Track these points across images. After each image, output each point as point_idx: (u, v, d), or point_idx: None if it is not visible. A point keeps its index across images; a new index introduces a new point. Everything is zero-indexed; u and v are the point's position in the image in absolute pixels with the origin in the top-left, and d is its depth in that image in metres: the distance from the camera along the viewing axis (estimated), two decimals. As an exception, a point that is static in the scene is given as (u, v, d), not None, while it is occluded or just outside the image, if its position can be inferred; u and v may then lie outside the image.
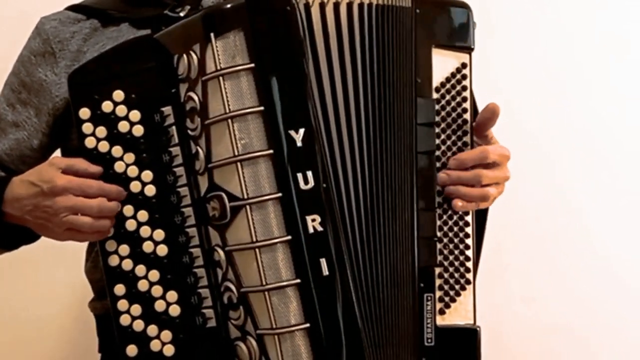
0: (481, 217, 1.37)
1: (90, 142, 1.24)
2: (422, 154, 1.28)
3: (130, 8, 1.40)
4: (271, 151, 1.15)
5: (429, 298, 1.27)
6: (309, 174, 1.16)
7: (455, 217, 1.30)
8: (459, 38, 1.32)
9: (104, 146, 1.24)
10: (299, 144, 1.15)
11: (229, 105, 1.15)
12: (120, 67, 1.25)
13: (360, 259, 1.21)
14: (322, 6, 1.23)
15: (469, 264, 1.31)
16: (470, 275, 1.31)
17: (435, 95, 1.30)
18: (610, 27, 2.18)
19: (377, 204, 1.24)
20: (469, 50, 1.33)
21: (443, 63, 1.31)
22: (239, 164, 1.15)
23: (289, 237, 1.15)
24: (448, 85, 1.31)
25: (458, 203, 1.28)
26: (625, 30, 2.19)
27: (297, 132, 1.15)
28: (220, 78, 1.15)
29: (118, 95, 1.24)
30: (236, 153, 1.15)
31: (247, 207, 1.15)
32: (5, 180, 1.26)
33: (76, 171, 1.22)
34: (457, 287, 1.30)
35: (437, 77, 1.31)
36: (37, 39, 1.40)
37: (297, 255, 1.15)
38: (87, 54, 1.36)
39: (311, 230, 1.15)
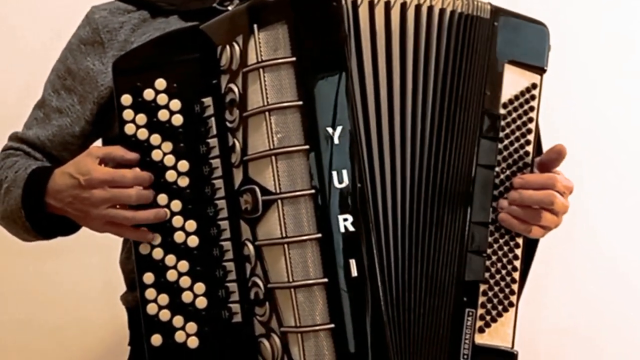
0: (532, 243, 1.33)
1: (129, 129, 1.24)
2: (482, 167, 1.26)
3: (180, 0, 1.40)
4: (307, 147, 1.14)
5: (471, 313, 1.24)
6: (344, 172, 1.14)
7: (507, 237, 1.28)
8: (533, 57, 1.31)
9: (142, 133, 1.24)
10: (336, 141, 1.14)
11: (267, 98, 1.14)
12: (164, 56, 1.25)
13: (393, 263, 1.19)
14: (372, 5, 1.21)
15: (515, 287, 1.28)
16: (514, 298, 1.28)
17: (502, 111, 1.27)
18: (615, 28, 2.14)
19: (420, 209, 1.22)
20: (541, 71, 1.31)
21: (513, 80, 1.29)
22: (273, 157, 1.14)
23: (320, 235, 1.13)
24: (516, 103, 1.29)
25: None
26: (631, 31, 2.16)
27: (334, 129, 1.14)
28: (261, 70, 1.15)
29: (160, 83, 1.24)
30: (272, 147, 1.14)
31: (279, 201, 1.14)
32: (48, 172, 1.28)
33: (113, 158, 1.23)
34: (500, 307, 1.27)
35: (506, 94, 1.29)
36: (87, 28, 1.42)
37: (327, 254, 1.14)
38: (134, 44, 1.37)
39: (342, 230, 1.13)
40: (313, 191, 1.14)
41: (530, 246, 1.32)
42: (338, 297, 1.13)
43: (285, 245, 1.14)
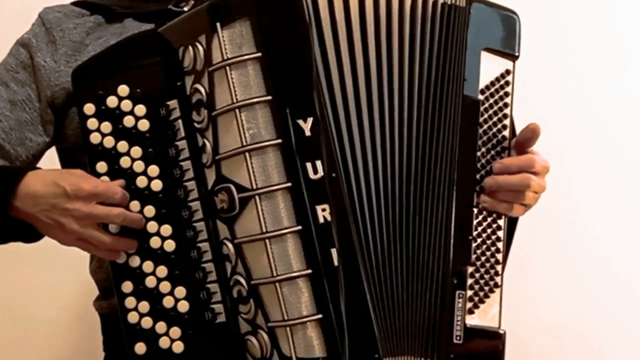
0: (511, 224, 1.36)
1: (95, 138, 1.23)
2: (465, 152, 1.27)
3: (135, 3, 1.39)
4: (280, 140, 1.14)
5: (461, 295, 1.26)
6: (318, 163, 1.15)
7: (489, 219, 1.30)
8: (507, 44, 1.34)
9: (109, 142, 1.23)
10: (308, 133, 1.14)
11: (236, 95, 1.14)
12: (124, 62, 1.24)
13: (373, 250, 1.20)
14: None
15: (499, 268, 1.31)
16: (499, 279, 1.31)
17: (480, 97, 1.30)
18: (620, 30, 2.17)
19: (403, 196, 1.24)
20: (514, 57, 1.34)
21: (489, 66, 1.32)
22: (247, 154, 1.14)
23: (299, 227, 1.14)
24: (492, 89, 1.32)
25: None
26: (636, 33, 2.19)
27: (305, 121, 1.14)
28: (227, 68, 1.15)
29: (123, 90, 1.23)
30: (244, 143, 1.14)
31: (257, 197, 1.14)
32: (20, 173, 1.22)
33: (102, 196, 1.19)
34: (486, 288, 1.29)
35: (483, 80, 1.31)
36: (40, 27, 1.39)
37: (308, 246, 1.14)
38: (89, 47, 1.35)
39: (321, 220, 1.14)
40: (289, 184, 1.14)
41: (510, 227, 1.35)
42: (322, 287, 1.14)
43: (267, 241, 1.14)
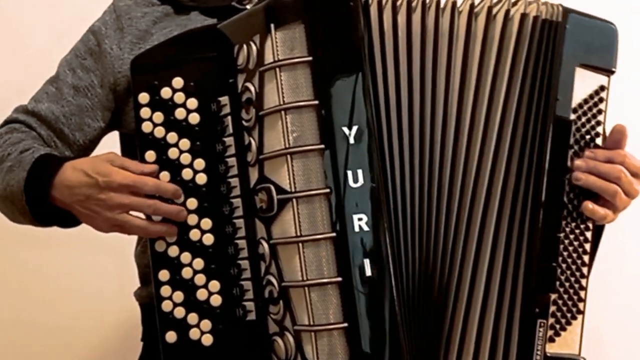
0: (594, 244, 1.30)
1: (146, 127, 1.25)
2: (553, 174, 1.23)
3: None
4: (322, 146, 1.14)
5: (542, 324, 1.22)
6: (360, 172, 1.14)
7: (575, 244, 1.25)
8: (603, 59, 1.27)
9: (159, 132, 1.25)
10: (352, 141, 1.14)
11: (283, 97, 1.15)
12: (182, 54, 1.26)
13: (404, 263, 1.19)
14: (394, 7, 1.22)
15: (582, 294, 1.26)
16: (582, 305, 1.26)
17: (572, 116, 1.25)
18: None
19: (438, 210, 1.22)
20: (610, 72, 1.28)
21: (582, 83, 1.26)
22: (289, 156, 1.15)
23: (334, 234, 1.14)
24: (585, 107, 1.26)
25: (589, 205, 1.23)
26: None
27: (350, 129, 1.14)
28: (277, 69, 1.15)
29: (177, 82, 1.25)
30: (287, 145, 1.15)
31: (294, 200, 1.15)
32: (58, 162, 1.27)
33: (130, 168, 1.23)
34: (568, 315, 1.25)
35: (576, 98, 1.26)
36: (110, 14, 1.44)
37: (341, 254, 1.14)
38: (154, 36, 1.39)
39: (357, 229, 1.14)
40: (328, 190, 1.14)
41: (593, 249, 1.29)
42: (352, 297, 1.13)
43: (300, 244, 1.14)
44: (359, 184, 1.14)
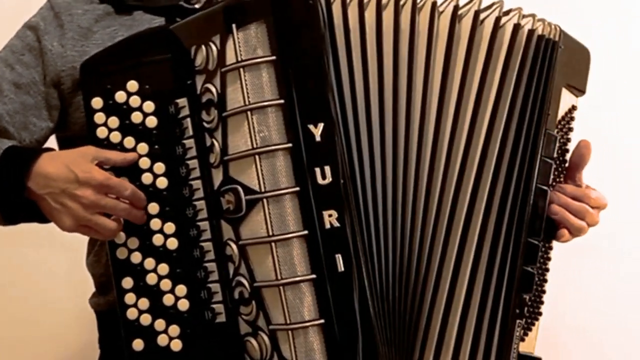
0: None
1: (101, 133, 1.23)
2: (540, 185, 1.27)
3: None
4: (290, 145, 1.14)
5: (519, 324, 1.26)
6: (327, 169, 1.15)
7: (542, 250, 1.30)
8: (581, 81, 1.35)
9: (115, 137, 1.23)
10: (318, 138, 1.15)
11: (248, 97, 1.15)
12: (134, 57, 1.24)
13: (376, 257, 1.20)
14: (361, 5, 1.22)
15: (544, 297, 1.33)
16: (542, 307, 1.33)
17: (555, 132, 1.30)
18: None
19: (415, 206, 1.24)
20: (582, 94, 1.36)
21: (562, 102, 1.32)
22: (257, 156, 1.15)
23: (306, 232, 1.14)
24: (561, 125, 1.32)
25: (566, 233, 1.30)
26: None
27: (316, 126, 1.15)
28: (241, 70, 1.15)
29: (132, 85, 1.23)
30: (255, 145, 1.15)
31: (264, 200, 1.15)
32: (35, 154, 1.20)
33: (113, 163, 1.20)
34: (533, 316, 1.31)
35: (558, 116, 1.32)
36: (48, 10, 1.38)
37: (313, 251, 1.14)
38: (96, 35, 1.34)
39: (328, 226, 1.14)
40: (297, 189, 1.14)
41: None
42: (326, 293, 1.14)
43: (272, 244, 1.14)
44: (327, 181, 1.15)
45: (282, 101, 1.14)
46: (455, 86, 1.25)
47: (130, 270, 1.22)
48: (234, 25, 1.15)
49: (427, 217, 1.24)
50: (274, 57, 1.14)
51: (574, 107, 1.34)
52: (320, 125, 1.15)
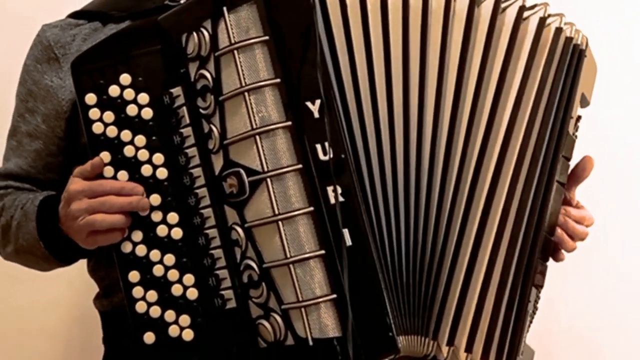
0: None
1: (97, 128, 1.22)
2: (559, 183, 1.28)
3: (136, 1, 1.40)
4: (289, 123, 1.15)
5: (530, 315, 1.27)
6: (327, 144, 1.15)
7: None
8: (589, 92, 1.36)
9: (112, 131, 1.22)
10: (316, 115, 1.15)
11: (244, 78, 1.15)
12: (124, 50, 1.24)
13: (385, 230, 1.21)
14: None
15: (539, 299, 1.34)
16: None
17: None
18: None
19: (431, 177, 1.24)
20: (587, 105, 1.36)
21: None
22: (257, 137, 1.15)
23: (311, 209, 1.14)
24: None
25: (572, 245, 1.33)
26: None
27: (313, 103, 1.15)
28: (235, 52, 1.15)
29: (125, 78, 1.23)
30: (254, 126, 1.15)
31: (268, 180, 1.15)
32: (57, 198, 1.27)
33: (86, 173, 1.22)
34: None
35: None
36: (39, 47, 1.41)
37: (320, 226, 1.15)
38: None
39: (332, 201, 1.15)
40: (300, 166, 1.15)
41: None
42: (335, 267, 1.14)
43: (279, 223, 1.14)
44: (328, 156, 1.15)
45: (278, 80, 1.15)
46: (473, 74, 1.24)
47: (136, 264, 1.21)
48: (225, 9, 1.15)
49: (446, 189, 1.23)
50: (267, 37, 1.15)
51: (579, 117, 1.35)
52: (317, 102, 1.15)
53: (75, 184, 1.21)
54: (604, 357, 2.12)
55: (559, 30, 1.28)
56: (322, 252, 1.15)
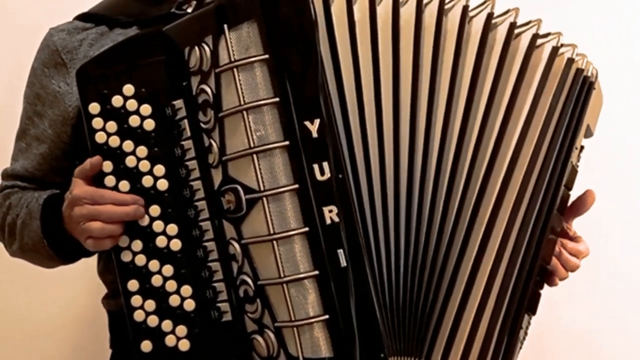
0: None
1: (100, 138, 1.23)
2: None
3: (144, 6, 1.39)
4: (287, 142, 1.14)
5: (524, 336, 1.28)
6: (325, 164, 1.15)
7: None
8: (593, 124, 1.35)
9: (114, 141, 1.23)
10: (315, 134, 1.15)
11: (243, 97, 1.15)
12: (129, 60, 1.24)
13: (384, 251, 1.21)
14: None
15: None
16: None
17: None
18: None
19: (422, 197, 1.24)
20: (590, 136, 1.35)
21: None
22: (254, 155, 1.15)
23: (307, 229, 1.14)
24: None
25: (565, 274, 1.32)
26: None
27: (312, 123, 1.15)
28: (235, 70, 1.14)
29: (128, 89, 1.23)
30: (252, 145, 1.15)
31: (264, 199, 1.15)
32: (61, 197, 1.28)
33: (84, 172, 1.23)
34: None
35: None
36: (46, 51, 1.41)
37: (315, 247, 1.15)
38: None
39: (328, 222, 1.15)
40: (297, 186, 1.14)
41: None
42: (329, 288, 1.15)
43: (274, 242, 1.15)
44: (325, 177, 1.15)
45: (277, 99, 1.14)
46: (484, 96, 1.24)
47: (135, 273, 1.23)
48: (225, 26, 1.15)
49: (448, 214, 1.23)
50: (266, 56, 1.14)
51: (582, 148, 1.33)
52: (317, 122, 1.15)
53: (78, 188, 1.22)
54: (604, 357, 2.12)
55: (570, 61, 1.27)
56: (316, 272, 1.15)
